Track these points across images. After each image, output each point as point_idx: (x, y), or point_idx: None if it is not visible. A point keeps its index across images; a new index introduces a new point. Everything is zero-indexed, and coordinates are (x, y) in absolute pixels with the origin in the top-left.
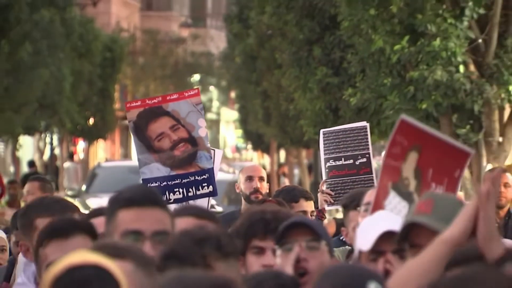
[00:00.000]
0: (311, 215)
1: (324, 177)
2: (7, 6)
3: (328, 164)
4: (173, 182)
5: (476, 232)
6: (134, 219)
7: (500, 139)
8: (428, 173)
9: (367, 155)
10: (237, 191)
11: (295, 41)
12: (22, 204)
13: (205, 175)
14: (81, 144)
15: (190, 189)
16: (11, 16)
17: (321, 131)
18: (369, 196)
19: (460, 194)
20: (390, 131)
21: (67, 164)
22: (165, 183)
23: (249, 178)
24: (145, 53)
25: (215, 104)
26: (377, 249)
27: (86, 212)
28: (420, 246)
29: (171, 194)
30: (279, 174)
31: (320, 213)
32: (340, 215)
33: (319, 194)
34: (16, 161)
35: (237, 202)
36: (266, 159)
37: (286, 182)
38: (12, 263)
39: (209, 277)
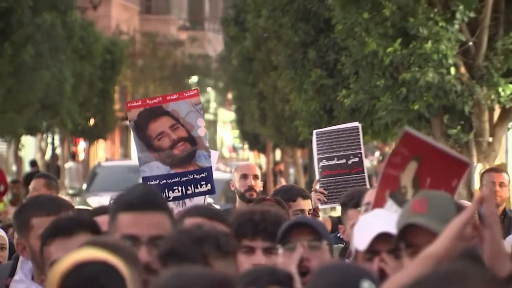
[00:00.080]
0: (308, 214)
1: (317, 177)
2: (10, 10)
3: (321, 164)
4: (172, 180)
5: (481, 246)
6: (131, 223)
7: (490, 139)
8: (426, 182)
9: (359, 155)
10: (232, 188)
11: (291, 43)
12: None
13: (203, 173)
14: (81, 144)
15: (189, 187)
16: (14, 19)
17: (314, 131)
18: (369, 196)
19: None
20: (383, 132)
21: (69, 164)
22: (164, 181)
23: (244, 176)
24: (144, 55)
25: (213, 105)
26: (373, 249)
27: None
28: (417, 246)
29: (170, 192)
30: (275, 171)
31: (314, 212)
32: (334, 213)
33: (312, 193)
34: (18, 160)
35: (234, 201)
36: (262, 159)
37: (282, 181)
38: (17, 259)
39: (208, 273)
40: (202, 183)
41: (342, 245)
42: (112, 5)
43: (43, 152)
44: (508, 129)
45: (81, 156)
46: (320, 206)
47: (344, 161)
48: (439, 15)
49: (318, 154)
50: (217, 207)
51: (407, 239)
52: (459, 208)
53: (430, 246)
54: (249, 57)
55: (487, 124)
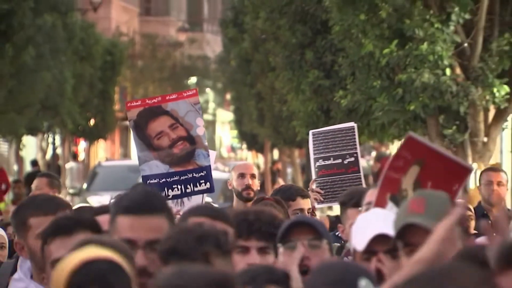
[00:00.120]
0: (308, 213)
1: (313, 176)
2: (11, 12)
3: (317, 163)
4: (171, 179)
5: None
6: (128, 227)
7: (485, 139)
8: (427, 185)
9: (355, 155)
10: (229, 187)
11: (288, 45)
12: None
13: (202, 172)
14: (82, 144)
15: (188, 186)
16: (15, 21)
17: (310, 132)
18: (370, 195)
19: None
20: (380, 132)
21: (70, 165)
22: (164, 179)
23: (241, 175)
24: (144, 56)
25: (211, 105)
26: (370, 249)
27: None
28: (415, 245)
29: (170, 190)
30: (273, 170)
31: (311, 211)
32: (331, 213)
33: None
34: (19, 160)
35: (233, 200)
36: (260, 159)
37: (280, 181)
38: (18, 258)
39: (209, 272)
40: (201, 181)
41: (338, 244)
42: (112, 7)
43: (44, 152)
44: (503, 129)
45: (82, 156)
46: (316, 206)
47: (340, 160)
48: (435, 16)
49: (315, 154)
50: (215, 206)
51: (405, 238)
52: None
53: (419, 251)
54: (247, 58)
55: (482, 125)
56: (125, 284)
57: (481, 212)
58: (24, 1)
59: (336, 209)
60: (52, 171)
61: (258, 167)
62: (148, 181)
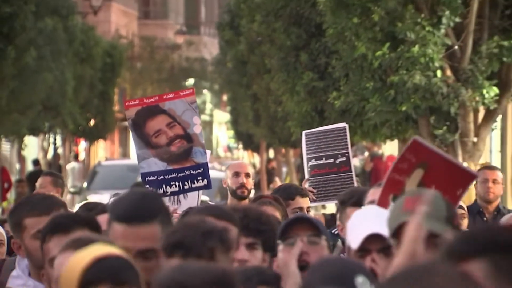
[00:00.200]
0: (307, 211)
1: (306, 176)
2: (13, 15)
3: (310, 163)
4: (169, 176)
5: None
6: (120, 236)
7: (475, 139)
8: (431, 188)
9: (347, 154)
10: (224, 185)
11: (283, 47)
12: None
13: (199, 169)
14: (82, 144)
15: (186, 183)
16: (17, 24)
17: (303, 132)
18: (372, 194)
19: None
20: (372, 132)
21: (72, 165)
22: (162, 176)
23: (236, 174)
24: (142, 58)
25: (208, 106)
26: (364, 248)
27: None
28: None
29: (168, 187)
30: (268, 169)
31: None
32: (324, 211)
33: None
34: (21, 160)
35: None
36: (256, 158)
37: (277, 180)
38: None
39: (211, 268)
40: (198, 178)
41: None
42: (112, 10)
43: (45, 152)
44: (492, 129)
45: (82, 155)
46: (309, 204)
47: (332, 160)
48: (426, 20)
49: (307, 154)
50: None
51: (400, 237)
52: (450, 207)
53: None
54: (243, 60)
55: (472, 125)
56: (136, 280)
57: (476, 210)
58: (26, 4)
59: (329, 208)
60: (53, 170)
61: (254, 166)
62: (146, 178)
